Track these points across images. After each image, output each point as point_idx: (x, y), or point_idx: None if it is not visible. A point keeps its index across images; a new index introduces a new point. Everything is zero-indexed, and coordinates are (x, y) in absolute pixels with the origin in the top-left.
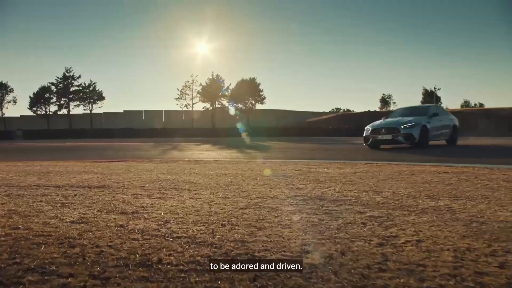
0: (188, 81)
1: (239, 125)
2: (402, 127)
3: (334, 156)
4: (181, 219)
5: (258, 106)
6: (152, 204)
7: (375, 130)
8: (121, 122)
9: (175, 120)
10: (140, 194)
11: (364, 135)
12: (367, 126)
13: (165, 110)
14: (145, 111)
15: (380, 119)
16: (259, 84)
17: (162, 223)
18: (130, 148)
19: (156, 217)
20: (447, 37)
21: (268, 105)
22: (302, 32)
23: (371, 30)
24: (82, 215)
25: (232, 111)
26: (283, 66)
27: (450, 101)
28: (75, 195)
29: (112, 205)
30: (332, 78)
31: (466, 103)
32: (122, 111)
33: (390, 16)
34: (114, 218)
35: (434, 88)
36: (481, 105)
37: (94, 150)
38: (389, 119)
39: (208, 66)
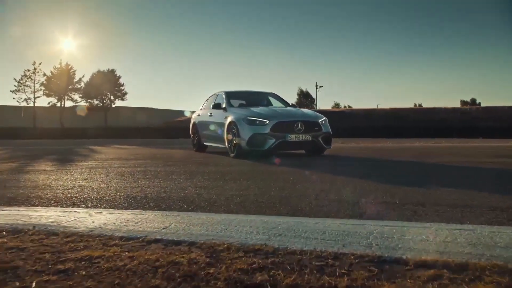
0: (28, 70)
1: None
2: (320, 121)
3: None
4: None
5: (119, 103)
6: None
7: (281, 125)
8: None
9: (12, 118)
10: None
11: (250, 134)
12: (245, 117)
13: None
14: None
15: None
16: (119, 77)
17: None
18: None
19: None
20: (325, 39)
21: (134, 102)
22: (172, 29)
23: (247, 29)
24: None
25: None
26: (150, 62)
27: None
28: None
29: None
30: (204, 77)
31: (336, 105)
32: None
33: (265, 15)
34: None
35: (316, 85)
36: (349, 106)
37: None
38: (264, 109)
39: (57, 55)
